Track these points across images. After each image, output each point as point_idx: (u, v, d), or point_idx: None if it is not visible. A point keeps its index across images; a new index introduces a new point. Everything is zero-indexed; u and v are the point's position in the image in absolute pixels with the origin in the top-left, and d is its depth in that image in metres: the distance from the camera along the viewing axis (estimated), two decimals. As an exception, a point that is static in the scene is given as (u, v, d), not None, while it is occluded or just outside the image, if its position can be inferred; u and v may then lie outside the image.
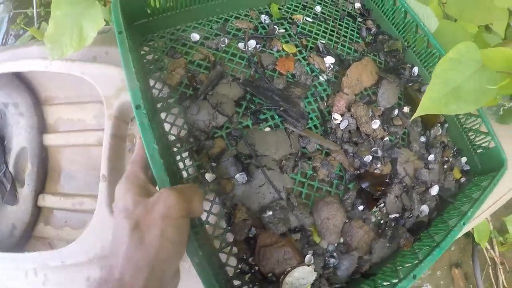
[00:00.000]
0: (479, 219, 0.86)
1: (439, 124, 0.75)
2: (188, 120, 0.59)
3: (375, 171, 0.63)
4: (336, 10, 0.83)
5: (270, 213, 0.54)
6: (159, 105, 0.59)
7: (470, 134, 0.74)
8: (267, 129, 0.62)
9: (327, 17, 0.80)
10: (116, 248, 0.37)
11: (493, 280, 0.99)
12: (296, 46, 0.71)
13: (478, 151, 0.73)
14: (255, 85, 0.62)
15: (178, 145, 0.58)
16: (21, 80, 0.84)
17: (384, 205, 0.62)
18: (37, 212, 0.82)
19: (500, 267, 1.00)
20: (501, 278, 0.98)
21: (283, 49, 0.69)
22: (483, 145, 0.72)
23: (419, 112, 0.52)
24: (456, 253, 1.14)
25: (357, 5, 0.85)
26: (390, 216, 0.62)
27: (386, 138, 0.67)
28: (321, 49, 0.71)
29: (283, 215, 0.55)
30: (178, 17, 0.67)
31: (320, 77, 0.69)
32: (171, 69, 0.62)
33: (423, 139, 0.71)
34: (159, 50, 0.64)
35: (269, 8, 0.77)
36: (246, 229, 0.54)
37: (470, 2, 0.72)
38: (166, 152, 0.56)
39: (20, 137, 0.83)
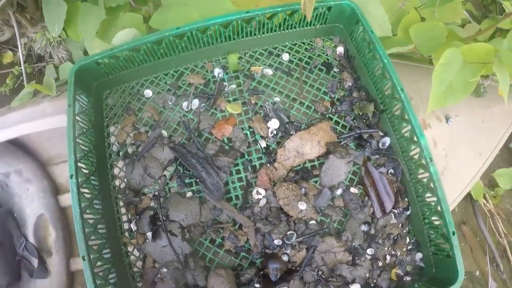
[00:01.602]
0: (472, 183, 0.92)
1: (396, 211, 0.60)
2: (125, 176, 0.65)
3: (282, 257, 0.58)
4: (309, 57, 0.69)
5: (165, 270, 0.59)
6: (109, 158, 0.67)
7: (430, 232, 0.58)
8: (189, 194, 0.63)
9: (294, 66, 0.68)
10: None
11: (494, 229, 1.12)
12: (244, 104, 0.65)
13: (436, 253, 0.58)
14: (183, 151, 0.63)
15: (119, 195, 0.66)
16: (17, 146, 0.78)
17: (288, 288, 0.58)
18: (72, 278, 0.74)
19: (498, 217, 1.12)
20: (500, 226, 1.12)
21: (226, 109, 0.64)
22: (443, 250, 0.56)
23: (429, 109, 0.66)
24: (459, 214, 1.23)
25: (340, 49, 0.69)
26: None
27: (313, 222, 0.59)
28: (267, 111, 0.63)
29: (176, 274, 0.59)
30: (135, 73, 0.69)
31: (259, 143, 0.63)
32: (121, 126, 0.67)
33: (365, 227, 0.60)
34: (119, 105, 0.69)
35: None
36: (153, 275, 0.61)
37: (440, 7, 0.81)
38: (108, 200, 0.65)
39: (33, 204, 0.75)
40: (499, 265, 1.08)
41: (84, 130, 0.62)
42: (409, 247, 0.64)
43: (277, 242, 0.58)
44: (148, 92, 0.69)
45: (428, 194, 0.59)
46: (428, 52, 0.84)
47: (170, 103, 0.67)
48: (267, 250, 0.59)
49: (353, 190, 0.61)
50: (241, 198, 0.61)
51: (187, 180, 0.63)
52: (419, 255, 0.63)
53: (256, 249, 0.58)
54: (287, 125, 0.63)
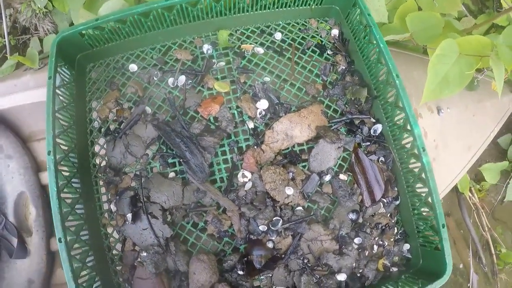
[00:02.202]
0: (460, 176, 0.90)
1: (385, 200, 0.57)
2: (106, 154, 0.60)
3: (267, 243, 0.54)
4: (303, 37, 0.65)
5: (145, 254, 0.55)
6: (90, 134, 0.62)
7: (419, 223, 0.55)
8: (172, 174, 0.58)
9: (287, 47, 0.64)
10: None
11: (478, 222, 1.12)
12: (233, 82, 0.60)
13: (424, 245, 0.55)
14: (167, 130, 0.58)
15: (99, 174, 0.61)
16: (-2, 120, 0.71)
17: (271, 275, 0.55)
18: (52, 258, 0.70)
19: (482, 211, 1.11)
20: (484, 220, 1.11)
21: (214, 87, 0.60)
22: (432, 242, 0.53)
23: (424, 100, 0.61)
24: (445, 205, 1.24)
25: (334, 32, 0.64)
26: (273, 290, 0.55)
27: (300, 208, 0.55)
28: (257, 90, 0.59)
29: (156, 259, 0.55)
30: (121, 46, 0.64)
31: (247, 124, 0.58)
32: (104, 101, 0.62)
33: (353, 216, 0.56)
34: (103, 79, 0.64)
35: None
36: (133, 258, 0.57)
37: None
38: (88, 179, 0.60)
39: (14, 182, 0.70)
40: (481, 258, 1.08)
41: (65, 104, 0.58)
42: (396, 238, 0.61)
43: (262, 228, 0.54)
44: (133, 67, 0.64)
45: (419, 185, 0.57)
46: (424, 41, 0.81)
47: (155, 78, 0.62)
48: (252, 236, 0.55)
49: (342, 177, 0.58)
50: (226, 180, 0.57)
51: (170, 160, 0.59)
52: (406, 246, 0.61)
53: (240, 235, 0.55)
54: (277, 106, 0.59)
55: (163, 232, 0.55)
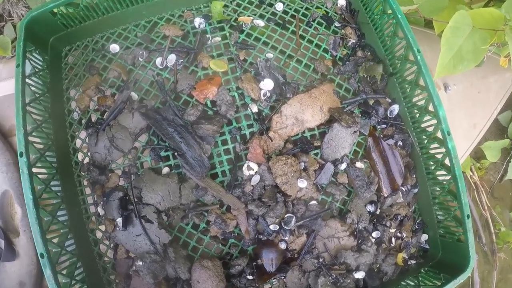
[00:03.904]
0: (466, 155, 0.83)
1: (404, 189, 0.47)
2: (89, 149, 0.49)
3: (279, 244, 0.44)
4: (306, 8, 0.53)
5: (141, 263, 0.44)
6: (69, 128, 0.50)
7: (439, 213, 0.46)
8: (166, 170, 0.47)
9: (290, 18, 0.52)
10: None
11: (478, 201, 1.06)
12: (231, 60, 0.49)
13: (444, 236, 0.47)
14: (157, 118, 0.46)
15: (82, 173, 0.49)
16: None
17: (284, 278, 0.45)
18: None
19: (482, 189, 1.05)
20: (483, 198, 1.05)
21: (209, 66, 0.48)
22: (454, 233, 0.48)
23: (437, 76, 0.51)
24: None
25: (341, 2, 0.53)
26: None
27: (314, 202, 0.45)
28: (259, 69, 0.47)
29: (153, 267, 0.44)
30: (99, 25, 0.53)
31: (250, 108, 0.47)
32: (83, 89, 0.50)
33: (371, 207, 0.46)
34: (81, 63, 0.52)
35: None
36: (127, 266, 0.46)
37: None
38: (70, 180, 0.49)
39: None
40: (481, 237, 1.02)
41: (38, 95, 0.48)
42: (414, 228, 0.52)
43: (273, 227, 0.44)
44: (114, 47, 0.51)
45: (441, 172, 0.49)
46: (430, 14, 0.72)
47: (141, 59, 0.50)
48: (261, 236, 0.45)
49: (358, 164, 0.48)
50: (229, 174, 0.47)
51: (162, 153, 0.48)
52: (424, 237, 0.54)
53: (248, 236, 0.45)
54: (283, 86, 0.48)
55: (160, 237, 0.45)
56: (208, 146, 0.45)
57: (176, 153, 0.46)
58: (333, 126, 0.47)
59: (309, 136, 0.49)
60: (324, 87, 0.48)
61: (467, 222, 0.45)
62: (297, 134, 0.48)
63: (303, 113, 0.46)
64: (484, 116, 0.85)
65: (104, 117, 0.50)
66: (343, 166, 0.48)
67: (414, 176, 0.53)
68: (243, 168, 0.45)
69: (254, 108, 0.47)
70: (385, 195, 0.50)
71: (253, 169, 0.45)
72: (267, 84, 0.47)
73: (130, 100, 0.49)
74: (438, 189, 0.50)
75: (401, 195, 0.51)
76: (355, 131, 0.48)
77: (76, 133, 0.51)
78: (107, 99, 0.50)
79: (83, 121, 0.51)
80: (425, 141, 0.51)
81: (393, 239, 0.51)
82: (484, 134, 1.03)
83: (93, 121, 0.51)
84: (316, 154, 0.48)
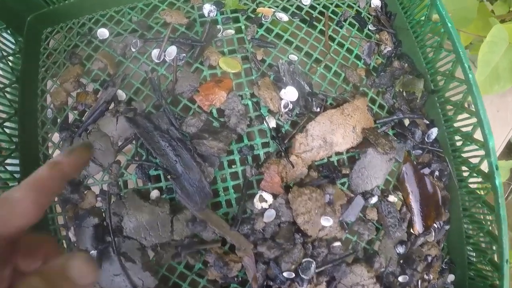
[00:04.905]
0: None
1: (436, 225, 0.38)
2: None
3: (294, 296, 0.34)
4: (337, 5, 0.42)
5: None
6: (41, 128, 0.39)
7: (471, 254, 0.42)
8: (155, 192, 0.36)
9: (317, 15, 0.41)
10: None
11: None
12: (246, 60, 0.37)
13: (474, 279, 0.42)
14: (147, 126, 0.34)
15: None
16: None
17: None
18: None
19: None
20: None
21: (218, 65, 0.36)
22: (486, 278, 0.40)
23: None
24: None
25: (376, 2, 0.42)
26: None
27: (338, 243, 0.35)
28: (281, 73, 0.36)
29: None
30: (89, 4, 0.41)
31: (266, 121, 0.36)
32: (61, 80, 0.38)
33: (401, 249, 0.37)
34: (62, 49, 0.40)
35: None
36: None
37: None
38: None
39: None
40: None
41: (4, 85, 0.38)
42: (440, 268, 0.44)
43: (287, 274, 0.33)
44: (103, 32, 0.39)
45: (480, 210, 0.41)
46: (458, 25, 0.64)
47: (133, 49, 0.38)
48: (272, 284, 0.34)
49: (391, 198, 0.38)
50: (236, 205, 0.35)
51: (152, 172, 0.36)
52: (451, 277, 0.45)
53: (256, 283, 0.34)
54: (309, 98, 0.37)
55: (144, 281, 0.33)
56: (211, 168, 0.34)
57: (169, 176, 0.34)
58: (367, 152, 0.37)
59: (336, 161, 0.38)
60: (358, 102, 0.38)
61: (506, 267, 0.37)
62: (323, 159, 0.37)
63: (333, 134, 0.36)
64: (501, 134, 0.82)
65: (83, 118, 0.38)
66: (373, 199, 0.38)
67: (447, 211, 0.44)
68: (255, 200, 0.34)
69: (272, 123, 0.36)
70: (417, 234, 0.41)
71: (266, 201, 0.34)
72: (290, 93, 0.36)
73: (115, 100, 0.37)
74: (475, 228, 0.42)
75: (433, 233, 0.42)
76: (390, 159, 0.38)
77: (49, 135, 0.40)
78: (88, 96, 0.38)
79: (59, 120, 0.39)
80: (464, 173, 0.42)
81: (419, 282, 0.42)
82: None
83: (69, 122, 0.39)
84: (342, 184, 0.38)
